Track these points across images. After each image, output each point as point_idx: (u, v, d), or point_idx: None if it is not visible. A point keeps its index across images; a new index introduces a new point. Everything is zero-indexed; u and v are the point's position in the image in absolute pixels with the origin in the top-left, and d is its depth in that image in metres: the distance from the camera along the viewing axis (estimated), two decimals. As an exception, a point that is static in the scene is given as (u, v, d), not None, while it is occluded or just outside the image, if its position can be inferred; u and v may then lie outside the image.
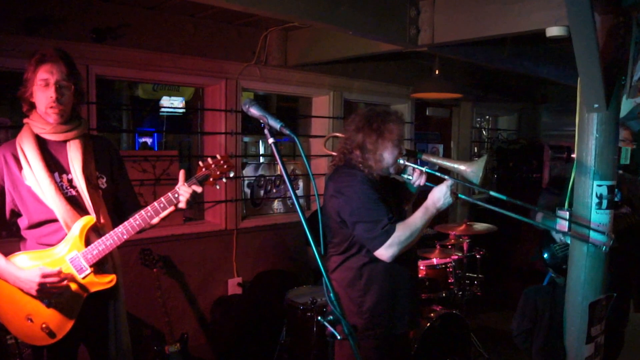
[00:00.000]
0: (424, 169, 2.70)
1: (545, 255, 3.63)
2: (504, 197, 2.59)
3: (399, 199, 2.95)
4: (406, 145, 2.93)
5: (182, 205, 2.51)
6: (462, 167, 2.72)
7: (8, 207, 2.45)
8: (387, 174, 2.78)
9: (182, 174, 2.53)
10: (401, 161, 2.71)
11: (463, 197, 2.66)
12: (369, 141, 2.68)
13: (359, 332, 2.68)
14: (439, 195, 2.59)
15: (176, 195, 2.49)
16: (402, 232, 2.59)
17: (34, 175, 2.39)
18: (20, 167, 2.41)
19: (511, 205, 2.62)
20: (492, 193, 2.62)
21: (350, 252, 2.74)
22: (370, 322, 2.72)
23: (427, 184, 2.72)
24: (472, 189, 7.30)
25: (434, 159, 2.88)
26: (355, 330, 1.85)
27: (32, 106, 2.46)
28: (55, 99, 2.39)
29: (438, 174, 2.67)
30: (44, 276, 2.32)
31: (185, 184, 2.50)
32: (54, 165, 2.46)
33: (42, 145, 2.46)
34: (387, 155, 2.69)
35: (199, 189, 2.52)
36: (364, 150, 2.69)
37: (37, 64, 2.39)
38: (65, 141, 2.50)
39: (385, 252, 2.60)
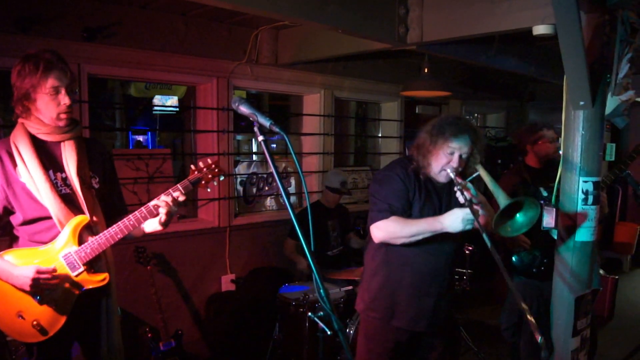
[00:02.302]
0: (459, 187, 2.61)
1: (514, 259, 3.69)
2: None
3: (449, 204, 2.87)
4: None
5: (163, 217, 2.52)
6: (501, 197, 2.64)
7: (1, 203, 2.43)
8: (437, 180, 2.81)
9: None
10: (450, 173, 2.69)
11: (479, 227, 2.47)
12: (424, 145, 2.77)
13: (365, 307, 2.93)
14: (451, 218, 2.55)
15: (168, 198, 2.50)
16: (393, 223, 2.70)
17: (29, 173, 2.38)
18: (14, 164, 2.40)
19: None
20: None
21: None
22: (372, 302, 2.90)
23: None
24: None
25: (485, 176, 2.81)
26: (346, 327, 1.89)
27: (28, 110, 2.42)
28: (69, 105, 2.41)
29: (463, 199, 2.55)
30: (39, 272, 2.32)
31: (170, 190, 2.51)
32: (49, 163, 2.46)
33: (37, 143, 2.45)
34: (434, 163, 2.74)
35: (182, 198, 2.53)
36: (419, 151, 2.80)
37: (46, 70, 2.33)
38: (59, 141, 2.50)
39: (372, 230, 2.78)
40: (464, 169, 2.78)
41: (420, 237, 2.66)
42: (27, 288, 2.34)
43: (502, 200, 2.61)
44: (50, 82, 2.35)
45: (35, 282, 2.32)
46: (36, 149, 2.42)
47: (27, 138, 2.43)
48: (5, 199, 2.43)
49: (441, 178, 2.77)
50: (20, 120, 2.47)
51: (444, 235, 2.68)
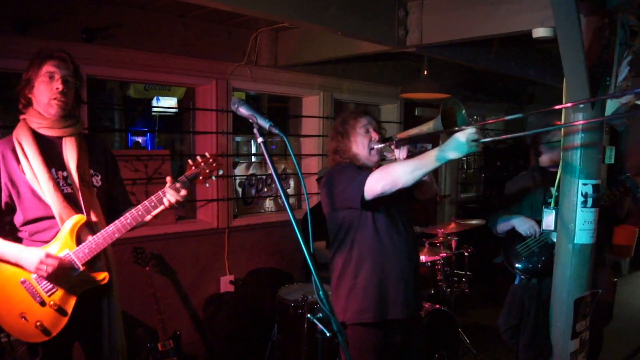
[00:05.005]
0: (391, 142, 2.82)
1: (519, 266, 3.67)
2: (521, 115, 2.55)
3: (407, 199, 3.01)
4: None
5: (166, 204, 2.53)
6: (431, 125, 2.69)
7: (3, 200, 2.44)
8: (370, 165, 2.88)
9: (169, 179, 2.54)
10: (376, 146, 2.84)
11: (484, 140, 2.42)
12: (340, 144, 2.90)
13: (353, 317, 2.77)
14: (455, 142, 2.36)
15: (167, 194, 2.51)
16: (388, 167, 2.58)
17: (32, 171, 2.40)
18: (18, 162, 2.42)
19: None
20: (507, 117, 2.64)
21: (340, 237, 2.85)
22: (362, 304, 2.79)
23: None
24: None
25: (406, 134, 2.90)
26: (345, 327, 1.89)
27: (29, 103, 2.48)
28: (61, 91, 2.43)
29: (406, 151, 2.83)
30: (47, 256, 2.34)
31: (174, 184, 2.51)
32: (51, 160, 2.47)
33: (39, 139, 2.47)
34: (357, 149, 2.86)
35: (184, 191, 2.53)
36: (339, 152, 2.90)
37: (44, 59, 2.44)
38: (60, 137, 2.52)
39: (369, 185, 2.58)
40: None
41: (422, 172, 2.48)
42: (32, 270, 2.36)
43: (434, 121, 2.67)
44: (46, 67, 2.44)
45: (41, 265, 2.34)
46: (39, 145, 2.44)
47: (30, 134, 2.45)
48: (8, 196, 2.44)
49: (373, 157, 2.87)
50: (22, 116, 2.51)
51: (405, 212, 2.85)
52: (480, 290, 5.89)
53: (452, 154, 2.37)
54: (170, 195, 2.49)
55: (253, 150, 6.07)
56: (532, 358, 3.62)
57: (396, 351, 2.90)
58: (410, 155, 2.83)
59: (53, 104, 2.45)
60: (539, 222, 3.58)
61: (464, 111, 2.59)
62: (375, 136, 2.86)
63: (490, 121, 2.87)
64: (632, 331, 5.69)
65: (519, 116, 2.54)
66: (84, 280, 2.47)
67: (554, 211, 2.97)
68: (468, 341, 4.81)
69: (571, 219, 2.89)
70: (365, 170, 2.83)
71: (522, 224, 3.61)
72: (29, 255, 2.36)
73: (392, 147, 2.85)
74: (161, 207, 2.55)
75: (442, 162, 2.43)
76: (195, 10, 4.27)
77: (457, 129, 2.48)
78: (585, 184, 2.84)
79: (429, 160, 2.45)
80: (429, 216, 7.10)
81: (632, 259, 8.30)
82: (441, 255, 4.59)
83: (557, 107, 2.74)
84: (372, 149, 2.85)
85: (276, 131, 1.94)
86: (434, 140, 6.72)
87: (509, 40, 4.25)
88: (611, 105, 2.85)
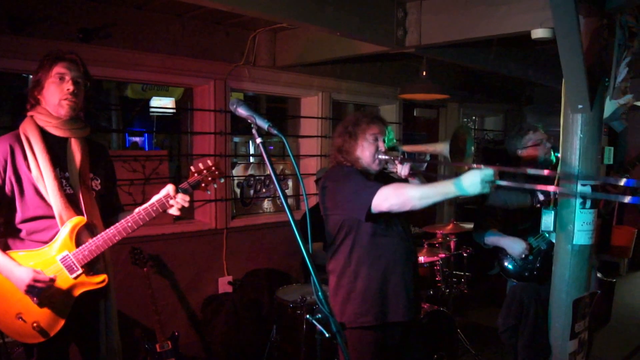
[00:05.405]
0: (397, 156, 2.80)
1: (509, 266, 3.67)
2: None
3: None
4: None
5: (174, 212, 2.56)
6: (437, 147, 2.75)
7: (2, 194, 2.44)
8: (372, 172, 2.87)
9: (171, 187, 2.56)
10: (380, 156, 2.82)
11: (501, 183, 2.45)
12: (345, 144, 2.86)
13: (351, 319, 2.75)
14: (470, 179, 2.34)
15: (170, 202, 2.53)
16: (400, 186, 2.58)
17: (39, 169, 2.40)
18: (24, 158, 2.42)
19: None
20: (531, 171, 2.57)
21: (339, 239, 2.83)
22: (361, 307, 2.77)
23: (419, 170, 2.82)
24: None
25: (411, 148, 2.92)
26: (344, 328, 1.88)
27: (38, 103, 2.49)
28: (72, 92, 2.45)
29: (409, 169, 2.79)
30: (35, 280, 2.34)
31: (179, 194, 2.53)
32: (56, 160, 2.47)
33: (46, 138, 2.47)
34: (362, 154, 2.83)
35: (187, 197, 2.56)
36: (342, 152, 2.87)
37: (54, 60, 2.45)
38: (67, 138, 2.52)
39: (377, 201, 2.57)
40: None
41: (431, 201, 2.49)
42: (22, 291, 2.36)
43: (442, 143, 2.69)
44: (57, 69, 2.45)
45: (30, 288, 2.35)
46: (46, 144, 2.45)
47: (38, 132, 2.46)
48: (10, 191, 2.43)
49: (375, 166, 2.85)
50: (30, 113, 2.51)
51: (403, 213, 2.78)
52: (479, 290, 5.89)
53: (465, 191, 2.36)
54: (175, 203, 2.53)
55: (251, 151, 6.05)
56: (531, 358, 3.62)
57: (395, 352, 2.90)
58: (413, 173, 2.83)
59: (64, 105, 2.46)
60: (528, 229, 3.58)
61: (473, 147, 2.62)
62: (382, 147, 2.83)
63: (508, 169, 2.89)
64: (631, 331, 5.69)
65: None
66: (82, 282, 2.46)
67: (553, 212, 2.97)
68: (467, 342, 4.81)
69: (570, 220, 2.89)
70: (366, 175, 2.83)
71: (514, 247, 3.57)
72: (19, 273, 2.36)
73: (396, 161, 2.82)
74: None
75: (454, 196, 2.44)
76: (193, 10, 4.26)
77: (461, 164, 2.58)
78: (584, 185, 2.84)
79: (440, 192, 2.47)
80: (427, 217, 7.09)
81: (630, 259, 8.31)
82: (440, 256, 4.59)
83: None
84: (377, 158, 2.83)
85: (275, 132, 1.94)
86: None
87: (508, 41, 4.25)
88: (610, 106, 2.85)
